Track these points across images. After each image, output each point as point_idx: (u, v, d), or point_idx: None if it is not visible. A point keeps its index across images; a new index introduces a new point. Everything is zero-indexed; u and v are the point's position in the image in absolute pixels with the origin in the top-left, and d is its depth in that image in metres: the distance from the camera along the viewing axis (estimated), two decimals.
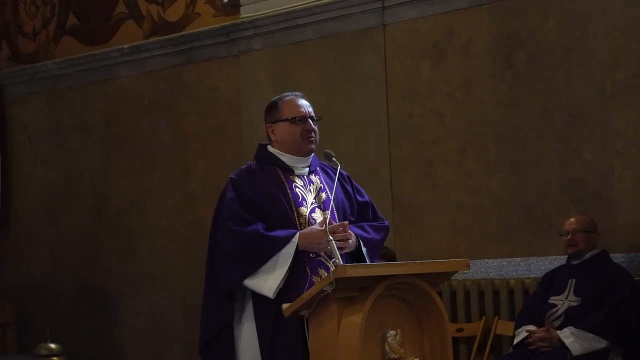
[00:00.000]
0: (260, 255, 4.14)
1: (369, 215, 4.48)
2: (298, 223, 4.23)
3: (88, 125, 8.53)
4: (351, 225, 4.29)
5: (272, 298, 4.08)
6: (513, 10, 6.45)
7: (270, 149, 4.42)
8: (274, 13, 7.37)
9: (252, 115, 7.31)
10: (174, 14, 8.07)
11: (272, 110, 4.42)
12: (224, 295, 4.20)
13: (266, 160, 4.39)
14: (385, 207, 6.81)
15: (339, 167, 4.38)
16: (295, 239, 4.15)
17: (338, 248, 4.12)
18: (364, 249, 4.28)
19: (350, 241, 4.21)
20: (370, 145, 6.99)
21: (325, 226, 4.13)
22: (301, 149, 4.35)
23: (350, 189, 4.47)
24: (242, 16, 7.59)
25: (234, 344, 4.24)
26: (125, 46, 8.23)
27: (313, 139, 4.36)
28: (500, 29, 6.50)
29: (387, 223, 4.50)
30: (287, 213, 4.23)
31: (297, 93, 4.47)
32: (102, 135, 8.45)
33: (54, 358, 7.43)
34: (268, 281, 4.11)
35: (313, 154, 4.42)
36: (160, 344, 8.01)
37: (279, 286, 4.10)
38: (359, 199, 4.48)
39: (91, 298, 8.38)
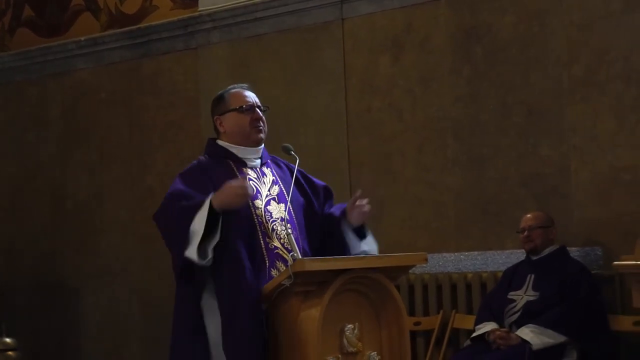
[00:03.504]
0: (182, 223, 4.02)
1: (332, 202, 4.50)
2: (255, 215, 4.21)
3: (45, 118, 8.46)
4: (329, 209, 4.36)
5: (197, 259, 3.97)
6: (471, 5, 6.48)
7: (220, 141, 4.40)
8: (232, 6, 7.34)
9: None
10: (131, 6, 8.01)
11: (219, 102, 4.41)
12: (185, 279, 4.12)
13: (217, 153, 4.36)
14: (344, 201, 6.80)
15: (298, 161, 4.38)
16: (208, 199, 4.04)
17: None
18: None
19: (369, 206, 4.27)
20: (329, 139, 6.99)
21: (285, 222, 4.12)
22: (250, 138, 4.33)
23: (304, 182, 4.47)
24: (199, 9, 7.55)
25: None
26: (82, 38, 8.17)
27: (261, 127, 4.34)
28: (458, 24, 6.53)
29: None
30: (244, 205, 4.21)
31: (242, 85, 4.47)
32: (59, 129, 8.38)
33: (9, 352, 7.38)
34: (191, 245, 4.00)
35: (263, 146, 4.41)
36: (118, 339, 7.96)
37: (198, 244, 3.97)
38: (318, 184, 4.50)
39: (49, 292, 8.32)
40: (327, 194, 4.50)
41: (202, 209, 4.01)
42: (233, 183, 4.07)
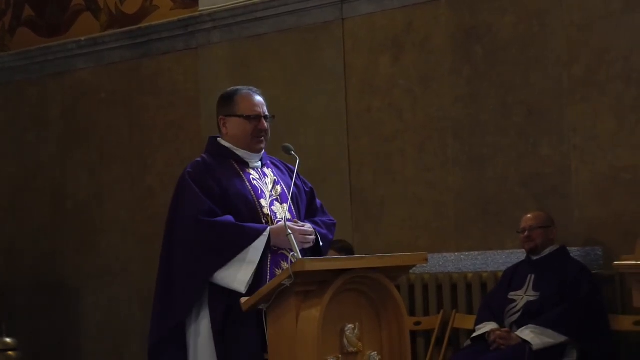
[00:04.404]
0: (233, 245, 4.10)
1: (316, 203, 4.52)
2: (262, 214, 4.23)
3: (45, 118, 8.45)
4: (307, 221, 4.33)
5: (244, 292, 4.05)
6: (471, 5, 6.48)
7: (222, 141, 4.41)
8: (232, 6, 7.34)
9: (211, 108, 7.17)
10: (131, 6, 8.01)
11: (227, 103, 4.40)
12: (198, 286, 4.14)
13: (220, 152, 4.37)
14: (344, 201, 6.82)
15: (298, 161, 4.38)
16: (267, 233, 4.14)
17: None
18: (321, 243, 4.31)
19: (312, 237, 4.23)
20: (329, 139, 6.99)
21: (284, 220, 4.13)
22: (251, 146, 4.36)
23: (299, 181, 4.49)
24: (200, 9, 7.55)
25: (185, 340, 4.22)
26: (82, 38, 8.17)
27: (263, 138, 4.37)
28: (458, 24, 6.53)
29: (334, 219, 4.54)
30: (251, 204, 4.22)
31: (253, 88, 4.46)
32: (59, 129, 8.38)
33: (9, 352, 7.37)
34: (239, 274, 4.08)
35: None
36: (118, 339, 7.96)
37: (249, 280, 4.07)
38: (306, 188, 4.53)
39: (49, 292, 8.31)
40: (310, 200, 4.52)
41: (259, 241, 4.10)
42: (307, 229, 4.18)
